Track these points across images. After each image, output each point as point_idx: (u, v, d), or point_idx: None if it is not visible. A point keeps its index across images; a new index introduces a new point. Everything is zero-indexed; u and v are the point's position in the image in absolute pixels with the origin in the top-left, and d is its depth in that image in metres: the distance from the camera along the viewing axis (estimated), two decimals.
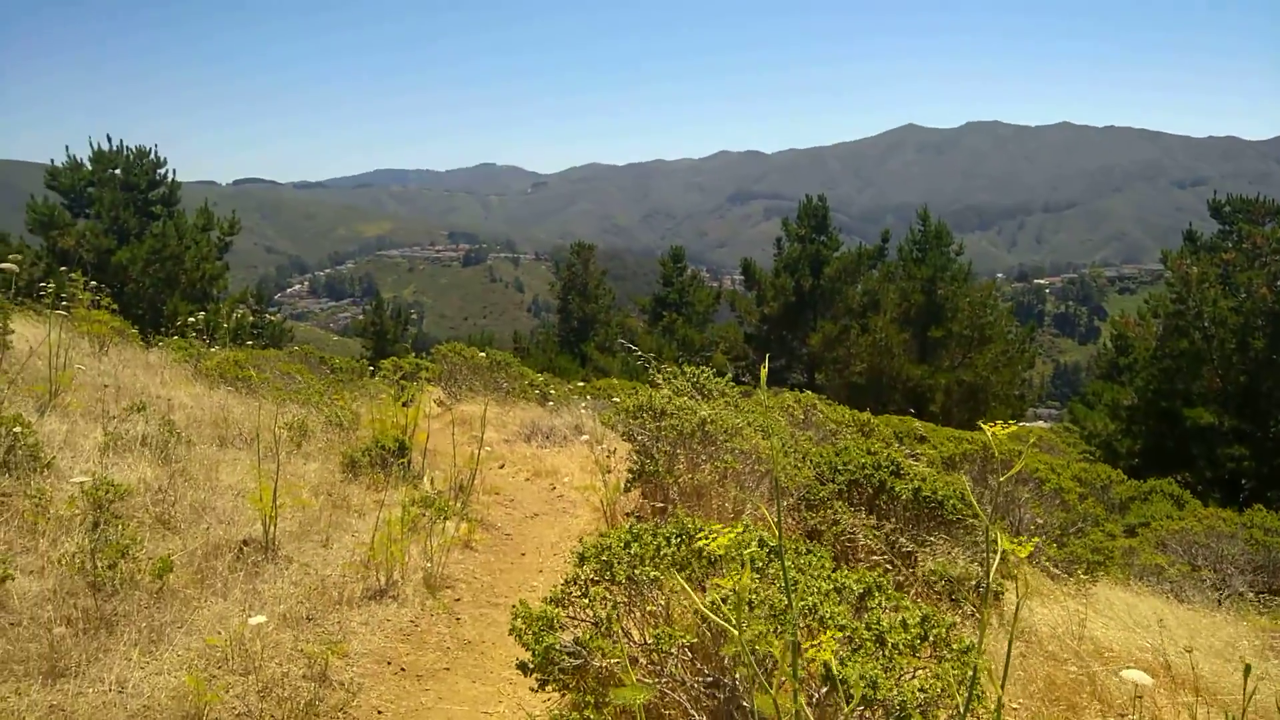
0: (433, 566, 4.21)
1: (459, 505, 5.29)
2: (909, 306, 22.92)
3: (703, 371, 6.74)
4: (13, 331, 6.75)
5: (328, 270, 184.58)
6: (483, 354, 11.89)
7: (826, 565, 2.91)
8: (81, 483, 3.52)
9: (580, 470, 7.96)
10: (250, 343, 13.46)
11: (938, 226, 23.71)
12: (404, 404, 7.82)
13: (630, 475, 5.19)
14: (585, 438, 7.42)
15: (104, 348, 7.94)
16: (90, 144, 19.25)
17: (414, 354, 17.15)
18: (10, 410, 4.64)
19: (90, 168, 19.21)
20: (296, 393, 7.98)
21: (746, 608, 1.76)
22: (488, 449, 7.43)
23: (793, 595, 2.36)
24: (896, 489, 4.96)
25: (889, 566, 4.30)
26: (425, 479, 5.92)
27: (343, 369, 12.01)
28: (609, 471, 5.77)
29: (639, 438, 5.24)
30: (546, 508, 6.80)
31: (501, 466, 8.00)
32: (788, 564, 3.11)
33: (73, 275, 7.92)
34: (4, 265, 5.52)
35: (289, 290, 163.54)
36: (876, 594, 2.72)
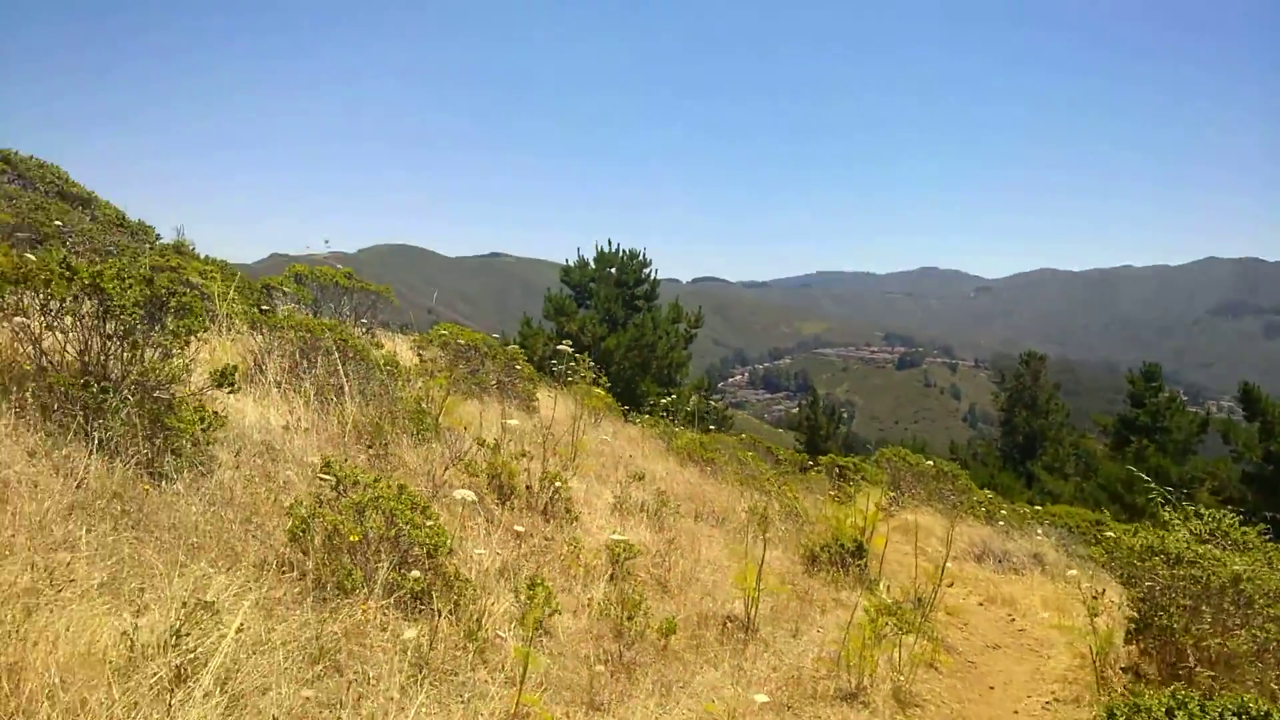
0: (902, 680, 4.06)
1: (919, 620, 5.05)
2: None
3: (1224, 516, 5.60)
4: (537, 398, 8.37)
5: (766, 364, 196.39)
6: (929, 462, 11.42)
7: None
8: (611, 540, 4.15)
9: (1043, 605, 7.15)
10: (712, 427, 14.76)
11: None
12: (844, 502, 7.81)
13: (1133, 625, 4.46)
14: (1079, 575, 6.64)
15: (598, 420, 9.41)
16: (595, 246, 23.39)
17: (846, 452, 17.19)
18: (551, 469, 5.71)
19: (594, 266, 23.28)
20: (753, 479, 8.51)
21: None
22: (935, 564, 7.07)
23: None
24: None
25: None
26: (881, 585, 5.79)
27: (786, 460, 12.51)
28: (1096, 615, 5.03)
29: (1146, 584, 4.49)
30: (1006, 640, 6.19)
31: (950, 585, 7.49)
32: None
33: (578, 356, 9.58)
34: (560, 347, 6.88)
35: (730, 380, 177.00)
36: None
